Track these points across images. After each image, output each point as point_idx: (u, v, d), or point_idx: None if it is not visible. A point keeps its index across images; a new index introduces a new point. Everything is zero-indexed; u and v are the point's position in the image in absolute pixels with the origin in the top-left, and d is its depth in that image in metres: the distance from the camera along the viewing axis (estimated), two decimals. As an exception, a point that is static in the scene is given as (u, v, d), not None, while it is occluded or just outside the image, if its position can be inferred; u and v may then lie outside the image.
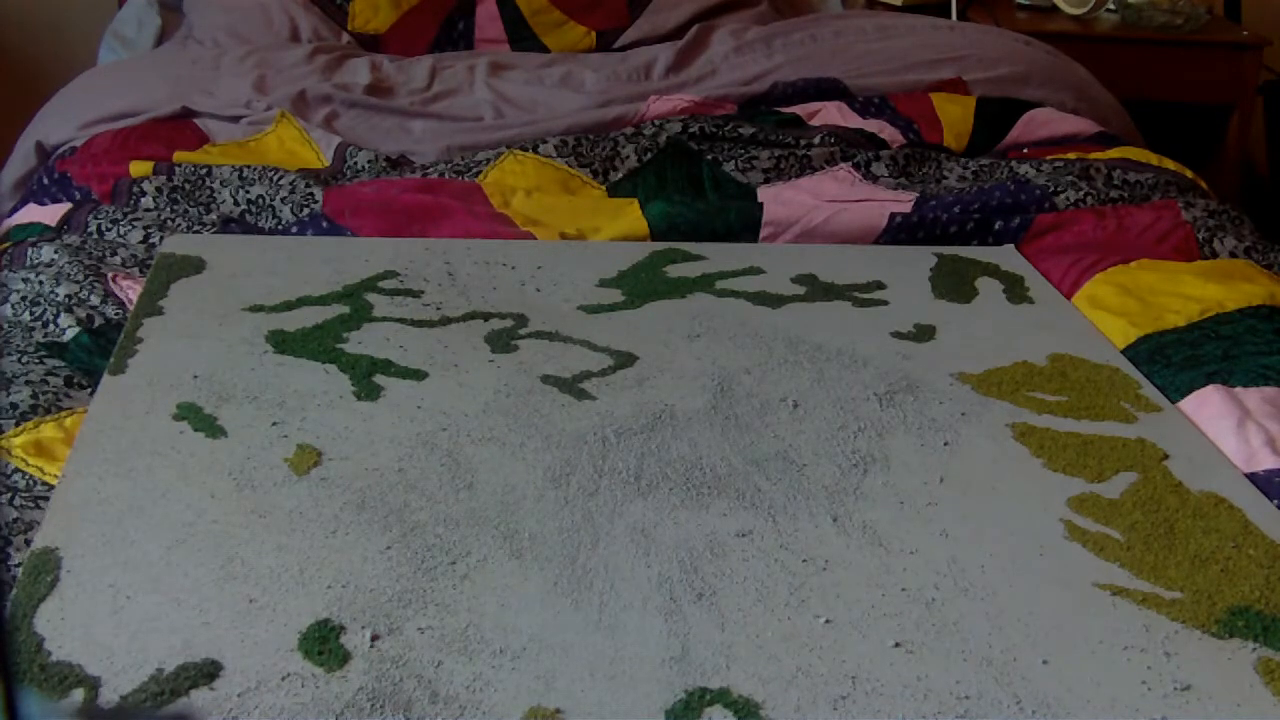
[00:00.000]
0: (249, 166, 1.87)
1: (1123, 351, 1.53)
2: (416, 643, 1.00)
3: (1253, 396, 1.39)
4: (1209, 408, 1.39)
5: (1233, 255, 1.76)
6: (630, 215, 1.81)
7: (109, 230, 1.73)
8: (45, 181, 1.90)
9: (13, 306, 1.51)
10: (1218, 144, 2.87)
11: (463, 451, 1.26)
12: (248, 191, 1.82)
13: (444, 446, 1.27)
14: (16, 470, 1.20)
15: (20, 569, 1.06)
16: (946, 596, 1.08)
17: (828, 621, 1.05)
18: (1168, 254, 1.75)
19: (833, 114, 2.18)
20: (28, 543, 1.11)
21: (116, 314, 1.51)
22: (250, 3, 2.46)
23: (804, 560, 1.12)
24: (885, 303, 1.62)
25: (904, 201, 1.85)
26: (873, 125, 2.14)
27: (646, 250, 1.74)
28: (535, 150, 1.97)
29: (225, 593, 1.05)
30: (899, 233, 1.82)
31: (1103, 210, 1.86)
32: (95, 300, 1.52)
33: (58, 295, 1.51)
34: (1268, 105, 3.05)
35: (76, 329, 1.46)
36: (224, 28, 2.44)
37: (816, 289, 1.65)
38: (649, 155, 1.98)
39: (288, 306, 1.53)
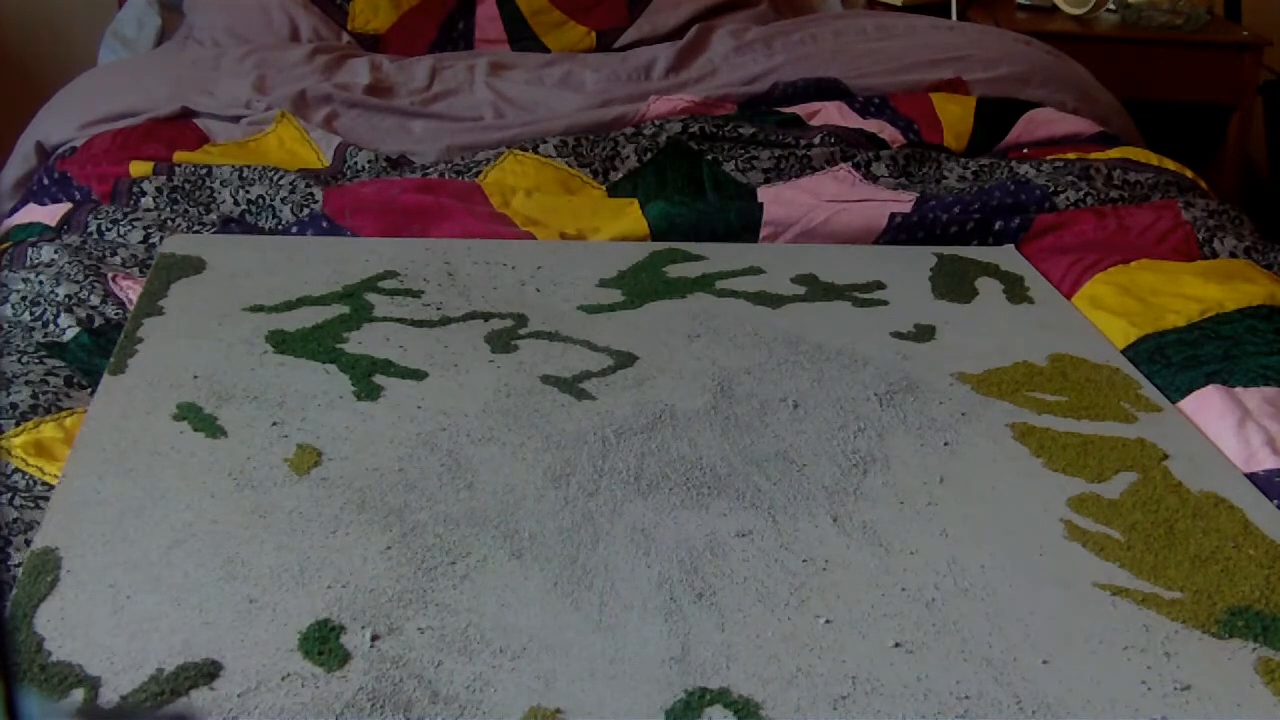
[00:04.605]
0: (249, 166, 1.87)
1: (1123, 351, 1.53)
2: (416, 643, 1.00)
3: (1253, 396, 1.39)
4: (1209, 408, 1.39)
5: (1233, 255, 1.76)
6: (630, 215, 1.81)
7: (109, 230, 1.73)
8: (45, 181, 1.90)
9: (13, 306, 1.51)
10: (1218, 144, 2.87)
11: (463, 451, 1.26)
12: (248, 191, 1.82)
13: (444, 446, 1.27)
14: (16, 470, 1.20)
15: (20, 569, 1.06)
16: (946, 596, 1.08)
17: (828, 621, 1.05)
18: (1168, 254, 1.75)
19: (833, 114, 2.18)
20: (28, 543, 1.11)
21: (116, 314, 1.51)
22: (250, 3, 2.46)
23: (804, 560, 1.12)
24: (885, 303, 1.62)
25: (904, 201, 1.85)
26: (873, 125, 2.14)
27: (646, 250, 1.74)
28: (535, 150, 1.97)
29: (225, 593, 1.05)
30: (899, 233, 1.82)
31: (1103, 210, 1.86)
32: (95, 300, 1.52)
33: (58, 295, 1.52)
34: (1268, 105, 3.05)
35: (76, 329, 1.46)
36: (224, 28, 2.44)
37: (816, 289, 1.65)
38: (649, 155, 1.98)
39: (288, 306, 1.53)
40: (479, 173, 1.93)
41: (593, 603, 1.06)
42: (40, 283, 1.54)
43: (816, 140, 2.03)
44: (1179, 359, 1.49)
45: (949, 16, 2.78)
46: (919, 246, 1.80)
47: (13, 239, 1.72)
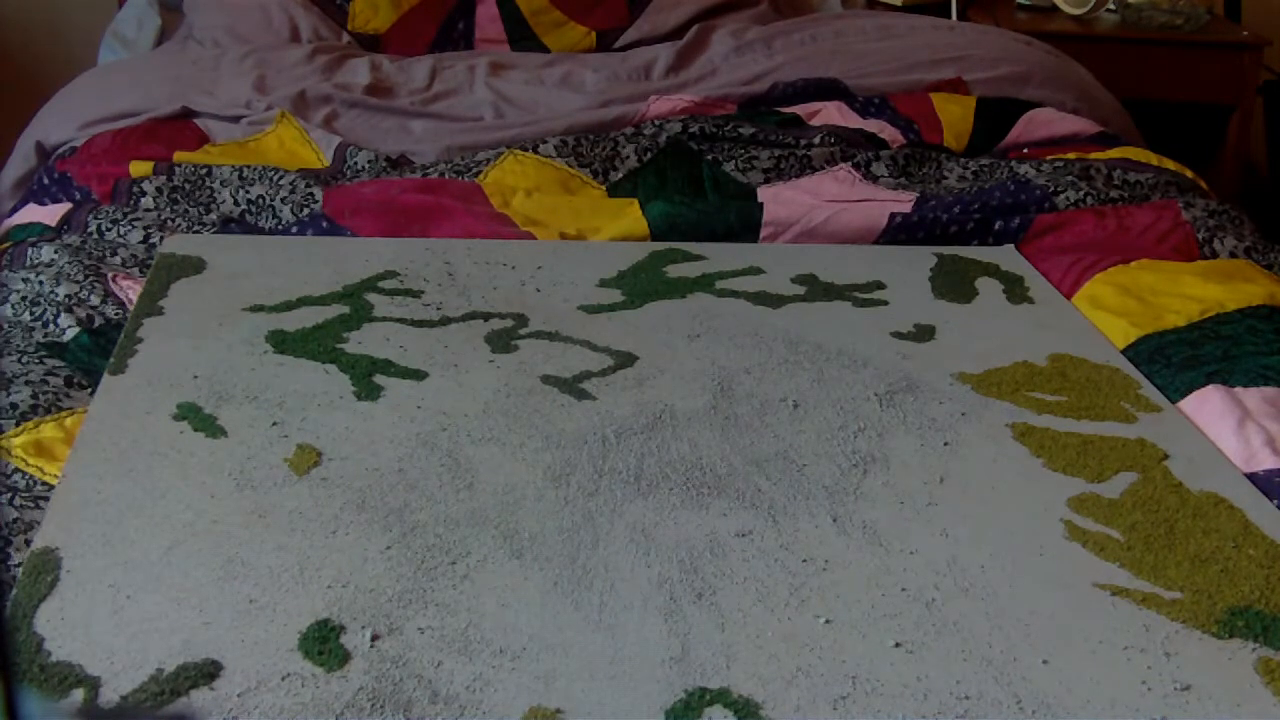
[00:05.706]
0: (249, 166, 1.87)
1: (1123, 351, 1.53)
2: (416, 643, 1.00)
3: (1253, 396, 1.39)
4: (1209, 408, 1.39)
5: (1233, 255, 1.76)
6: (630, 215, 1.81)
7: (109, 230, 1.73)
8: (45, 181, 1.90)
9: (13, 306, 1.51)
10: (1218, 144, 2.87)
11: (463, 451, 1.26)
12: (248, 191, 1.82)
13: (444, 446, 1.27)
14: (16, 470, 1.20)
15: (20, 569, 1.06)
16: (946, 596, 1.08)
17: (828, 621, 1.05)
18: (1168, 254, 1.75)
19: (833, 114, 2.18)
20: (28, 543, 1.11)
21: (116, 314, 1.51)
22: (250, 3, 2.46)
23: (804, 560, 1.12)
24: (885, 303, 1.62)
25: (904, 201, 1.85)
26: (873, 125, 2.14)
27: (646, 250, 1.74)
28: (535, 150, 1.97)
29: (225, 593, 1.05)
30: (899, 233, 1.82)
31: (1103, 210, 1.86)
32: (95, 300, 1.52)
33: (58, 295, 1.52)
34: (1268, 105, 3.05)
35: (76, 329, 1.47)
36: (224, 28, 2.44)
37: (816, 289, 1.65)
38: (649, 155, 1.98)
39: (288, 306, 1.53)
40: (479, 173, 1.93)
41: (593, 603, 1.06)
42: (40, 283, 1.54)
43: (816, 140, 2.03)
44: (1179, 359, 1.49)
45: (949, 16, 2.78)
46: (919, 246, 1.80)
47: (13, 239, 1.72)
